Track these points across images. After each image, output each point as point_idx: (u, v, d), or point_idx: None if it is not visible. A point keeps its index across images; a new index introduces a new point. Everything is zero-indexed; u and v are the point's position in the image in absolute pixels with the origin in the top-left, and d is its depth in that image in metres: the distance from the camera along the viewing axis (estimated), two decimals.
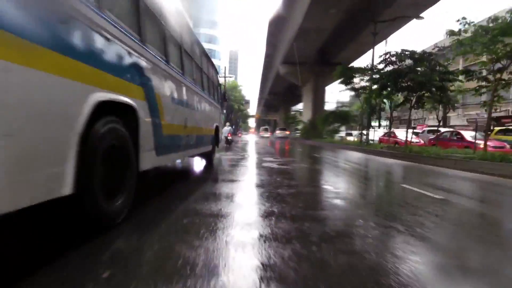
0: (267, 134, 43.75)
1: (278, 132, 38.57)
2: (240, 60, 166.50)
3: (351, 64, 31.52)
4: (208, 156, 6.52)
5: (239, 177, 4.84)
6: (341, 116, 23.42)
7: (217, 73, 7.85)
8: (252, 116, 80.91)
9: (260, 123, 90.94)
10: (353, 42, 23.67)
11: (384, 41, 23.64)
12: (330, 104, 38.59)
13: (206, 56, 6.18)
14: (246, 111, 65.44)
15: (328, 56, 28.73)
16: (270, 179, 4.71)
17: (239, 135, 55.45)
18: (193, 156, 5.45)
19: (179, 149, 3.83)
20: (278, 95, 52.98)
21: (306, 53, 28.06)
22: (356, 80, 17.36)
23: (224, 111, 10.48)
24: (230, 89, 39.43)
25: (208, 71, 6.23)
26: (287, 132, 38.47)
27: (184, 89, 3.91)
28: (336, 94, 49.54)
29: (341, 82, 17.63)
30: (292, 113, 56.43)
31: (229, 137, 13.90)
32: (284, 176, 5.13)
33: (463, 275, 1.65)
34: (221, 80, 39.84)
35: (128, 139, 2.21)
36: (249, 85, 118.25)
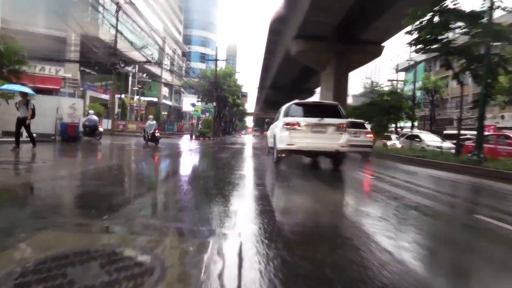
0: (257, 133, 67.02)
1: (266, 133, 59.39)
2: (239, 56, 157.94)
3: (384, 43, 23.77)
4: None
5: None
6: (390, 107, 15.12)
7: None
8: (250, 114, 73.32)
9: (259, 121, 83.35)
10: (401, 1, 15.81)
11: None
12: None
13: None
14: (244, 107, 57.46)
15: (355, 30, 21.05)
16: None
17: (240, 134, 56.63)
18: None
19: None
20: (282, 89, 45.05)
21: (328, 22, 20.18)
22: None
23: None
24: (223, 76, 31.45)
25: None
26: None
27: None
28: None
29: (419, 42, 9.84)
30: None
31: (157, 134, 12.77)
32: None
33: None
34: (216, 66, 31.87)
35: None
36: (248, 82, 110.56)
